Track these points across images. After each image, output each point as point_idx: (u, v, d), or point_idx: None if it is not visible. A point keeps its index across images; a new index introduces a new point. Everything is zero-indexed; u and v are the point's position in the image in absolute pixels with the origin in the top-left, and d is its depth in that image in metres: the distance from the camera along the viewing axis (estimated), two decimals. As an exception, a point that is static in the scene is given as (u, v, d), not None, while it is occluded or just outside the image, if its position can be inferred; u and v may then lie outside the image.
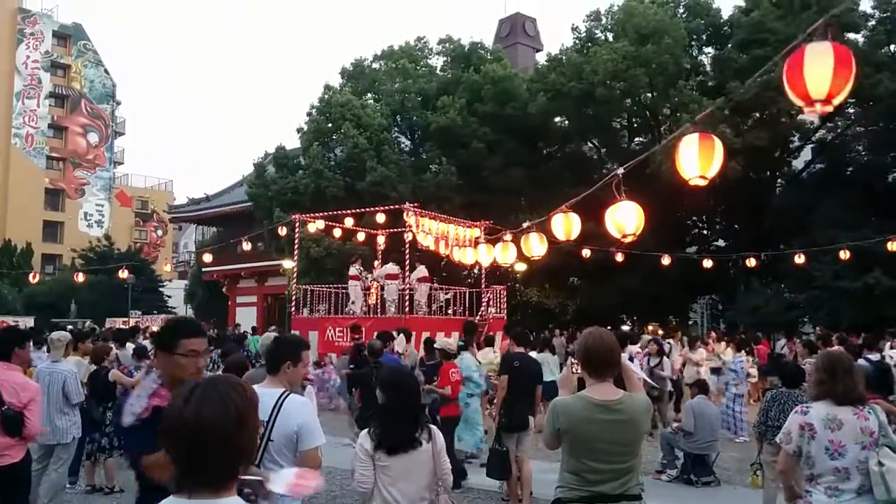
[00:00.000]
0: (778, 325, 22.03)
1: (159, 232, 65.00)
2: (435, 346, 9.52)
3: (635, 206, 6.57)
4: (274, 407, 3.51)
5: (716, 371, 14.04)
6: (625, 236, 6.66)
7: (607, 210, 6.72)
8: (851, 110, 24.08)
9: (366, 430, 3.80)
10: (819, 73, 3.88)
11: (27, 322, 28.54)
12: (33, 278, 27.85)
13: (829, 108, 4.07)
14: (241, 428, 1.68)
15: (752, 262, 19.87)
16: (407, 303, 17.46)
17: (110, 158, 61.36)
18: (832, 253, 18.70)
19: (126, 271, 26.00)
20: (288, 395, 3.63)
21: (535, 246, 9.76)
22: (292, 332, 16.29)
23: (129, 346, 11.97)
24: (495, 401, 7.57)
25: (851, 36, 22.59)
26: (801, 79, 3.92)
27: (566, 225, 8.52)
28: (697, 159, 5.28)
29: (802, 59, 3.91)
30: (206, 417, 1.64)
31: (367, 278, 18.69)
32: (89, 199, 59.26)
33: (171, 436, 1.67)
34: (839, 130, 25.77)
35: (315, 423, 3.65)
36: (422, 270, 18.42)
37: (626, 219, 6.59)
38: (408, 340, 13.27)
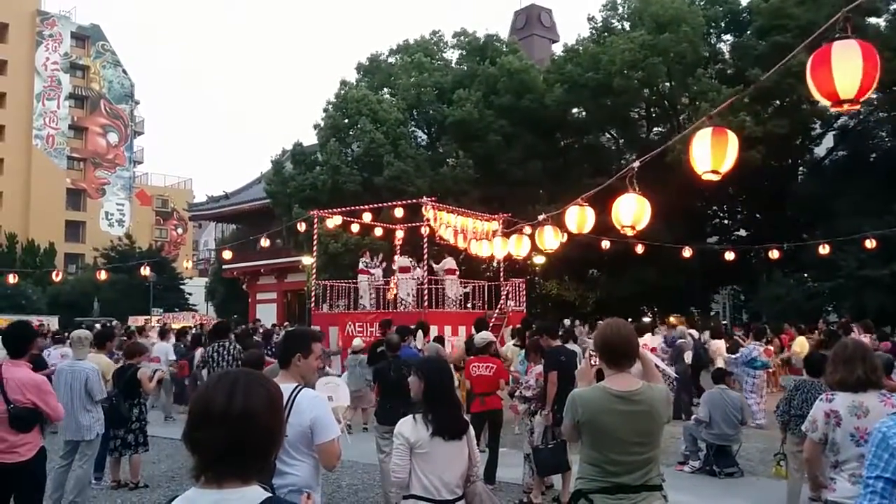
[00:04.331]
0: (801, 314, 21.79)
1: (179, 230, 65.58)
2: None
3: (638, 198, 6.49)
4: (287, 402, 3.47)
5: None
6: (623, 228, 6.60)
7: (614, 202, 6.68)
8: (874, 96, 23.66)
9: (409, 418, 3.81)
10: (848, 73, 3.83)
11: (51, 321, 28.94)
12: (56, 277, 28.20)
13: (857, 107, 4.02)
14: (279, 419, 1.77)
15: (774, 253, 19.62)
16: (426, 297, 17.40)
17: (130, 158, 61.96)
18: (856, 241, 18.45)
19: (147, 269, 26.26)
20: (301, 389, 3.60)
21: (549, 239, 9.71)
22: (313, 327, 16.32)
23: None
24: (547, 398, 7.26)
25: (873, 20, 22.22)
26: (829, 78, 3.87)
27: (580, 218, 8.46)
28: (710, 153, 5.23)
29: (829, 58, 3.86)
30: (253, 407, 1.68)
31: (375, 268, 18.66)
32: (110, 199, 59.91)
33: (212, 425, 1.66)
34: (861, 117, 25.29)
35: (329, 416, 3.60)
36: (449, 262, 18.32)
37: (625, 211, 6.52)
38: (425, 335, 13.03)
